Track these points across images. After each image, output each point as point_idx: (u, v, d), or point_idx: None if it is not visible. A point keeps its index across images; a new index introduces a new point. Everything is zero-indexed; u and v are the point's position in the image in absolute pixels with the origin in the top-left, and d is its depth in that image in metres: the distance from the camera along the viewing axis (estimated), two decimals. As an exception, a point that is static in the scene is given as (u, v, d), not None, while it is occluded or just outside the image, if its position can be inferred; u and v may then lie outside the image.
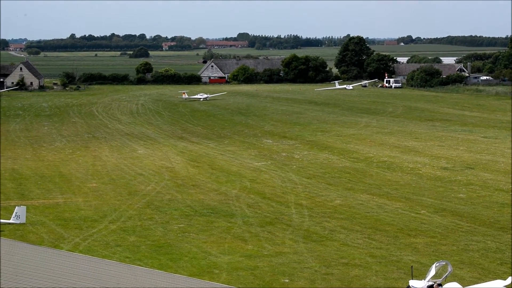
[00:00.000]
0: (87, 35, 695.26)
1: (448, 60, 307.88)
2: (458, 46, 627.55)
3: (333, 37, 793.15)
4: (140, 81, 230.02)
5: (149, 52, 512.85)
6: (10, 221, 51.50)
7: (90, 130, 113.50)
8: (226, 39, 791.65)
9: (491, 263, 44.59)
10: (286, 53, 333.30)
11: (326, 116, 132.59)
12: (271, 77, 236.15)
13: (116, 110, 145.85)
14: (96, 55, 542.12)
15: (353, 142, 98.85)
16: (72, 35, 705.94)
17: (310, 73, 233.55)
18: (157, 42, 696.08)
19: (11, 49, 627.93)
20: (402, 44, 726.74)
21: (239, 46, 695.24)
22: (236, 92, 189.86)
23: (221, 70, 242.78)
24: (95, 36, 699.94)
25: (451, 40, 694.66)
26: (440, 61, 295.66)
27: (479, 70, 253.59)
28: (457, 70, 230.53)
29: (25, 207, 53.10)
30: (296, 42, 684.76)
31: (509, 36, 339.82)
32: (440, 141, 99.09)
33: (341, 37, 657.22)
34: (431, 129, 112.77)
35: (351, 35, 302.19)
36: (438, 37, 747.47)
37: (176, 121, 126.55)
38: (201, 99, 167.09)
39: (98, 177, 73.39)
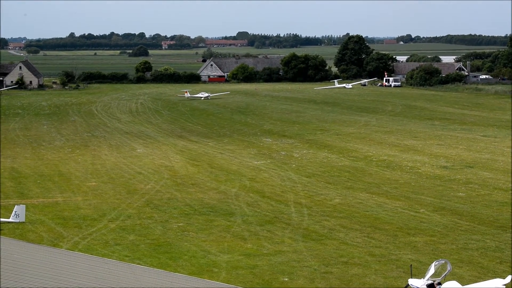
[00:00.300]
0: (86, 34, 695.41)
1: (447, 59, 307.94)
2: (458, 45, 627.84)
3: (333, 36, 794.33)
4: (140, 80, 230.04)
5: (148, 51, 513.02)
6: (10, 220, 51.47)
7: (89, 129, 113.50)
8: (226, 38, 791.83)
9: (490, 261, 44.61)
10: (285, 52, 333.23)
11: (325, 115, 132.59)
12: (270, 76, 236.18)
13: (116, 109, 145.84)
14: (95, 54, 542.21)
15: (353, 141, 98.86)
16: (72, 34, 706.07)
17: (309, 72, 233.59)
18: (156, 41, 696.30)
19: (11, 48, 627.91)
20: (401, 43, 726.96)
21: (239, 45, 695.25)
22: (235, 91, 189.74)
23: (220, 69, 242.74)
24: (95, 35, 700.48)
25: (450, 39, 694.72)
26: (439, 60, 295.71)
27: (478, 69, 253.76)
28: (457, 69, 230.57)
29: (24, 205, 53.04)
30: (295, 41, 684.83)
31: (508, 35, 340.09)
32: (439, 140, 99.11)
33: (341, 36, 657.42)
34: (431, 128, 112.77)
35: (350, 34, 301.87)
36: (438, 36, 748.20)
37: (175, 120, 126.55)
38: (202, 98, 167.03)
39: (98, 176, 73.40)
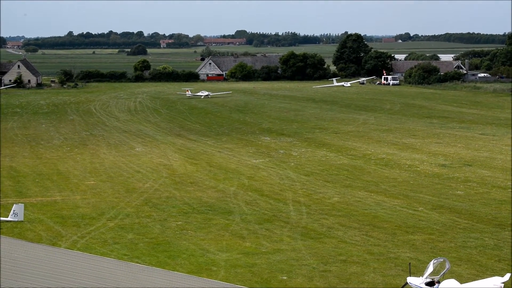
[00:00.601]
0: (84, 33, 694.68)
1: (446, 57, 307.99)
2: (456, 43, 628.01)
3: (331, 34, 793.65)
4: (138, 78, 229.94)
5: (147, 49, 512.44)
6: (8, 218, 51.45)
7: (88, 127, 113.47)
8: (224, 36, 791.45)
9: (488, 260, 44.64)
10: (284, 50, 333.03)
11: (324, 113, 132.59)
12: (269, 74, 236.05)
13: (114, 107, 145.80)
14: (94, 52, 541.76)
15: (351, 139, 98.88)
16: (70, 33, 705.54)
17: (308, 70, 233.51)
18: (155, 39, 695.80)
19: (9, 46, 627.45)
20: (400, 41, 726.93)
21: (237, 43, 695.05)
22: (233, 90, 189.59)
23: (219, 67, 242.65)
24: (93, 33, 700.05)
25: (449, 37, 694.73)
26: (438, 58, 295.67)
27: (476, 67, 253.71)
28: (455, 67, 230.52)
29: (23, 204, 53.03)
30: (294, 39, 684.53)
31: (506, 33, 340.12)
32: (438, 138, 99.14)
33: (339, 34, 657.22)
34: (429, 126, 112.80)
35: (349, 32, 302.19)
36: (436, 34, 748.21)
37: (174, 118, 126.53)
38: (202, 97, 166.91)
39: (96, 175, 73.39)
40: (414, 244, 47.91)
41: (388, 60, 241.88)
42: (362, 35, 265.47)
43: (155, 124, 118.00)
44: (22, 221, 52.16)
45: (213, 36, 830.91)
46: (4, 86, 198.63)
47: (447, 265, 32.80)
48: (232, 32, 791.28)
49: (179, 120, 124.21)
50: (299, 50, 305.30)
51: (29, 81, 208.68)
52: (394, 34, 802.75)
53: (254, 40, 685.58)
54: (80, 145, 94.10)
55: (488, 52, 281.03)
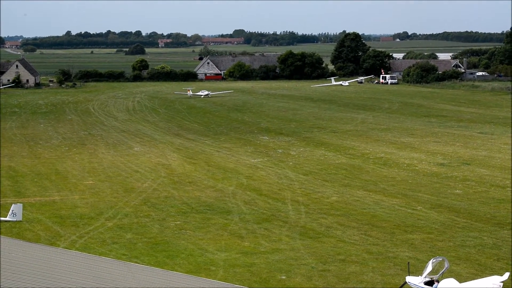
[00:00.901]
0: (83, 32, 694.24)
1: (444, 56, 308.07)
2: (454, 42, 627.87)
3: (329, 33, 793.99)
4: (136, 78, 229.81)
5: (145, 49, 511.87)
6: (7, 218, 51.43)
7: (86, 127, 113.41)
8: (222, 35, 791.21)
9: (487, 259, 44.65)
10: (282, 50, 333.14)
11: (322, 113, 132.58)
12: (267, 73, 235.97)
13: (112, 107, 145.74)
14: (92, 52, 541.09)
15: (349, 138, 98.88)
16: (68, 32, 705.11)
17: (306, 69, 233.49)
18: (153, 39, 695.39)
19: (7, 46, 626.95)
20: (398, 40, 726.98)
21: (235, 42, 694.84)
22: (232, 89, 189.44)
23: (217, 66, 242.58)
24: (91, 33, 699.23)
25: (446, 36, 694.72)
26: (436, 57, 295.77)
27: (475, 66, 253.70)
28: (453, 66, 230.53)
29: (21, 204, 53.05)
30: (292, 38, 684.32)
31: (504, 31, 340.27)
32: (436, 137, 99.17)
33: (337, 34, 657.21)
34: (427, 125, 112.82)
35: (347, 32, 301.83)
36: (434, 33, 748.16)
37: (172, 118, 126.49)
38: (202, 96, 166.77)
39: (95, 175, 73.35)
40: (413, 243, 47.91)
41: (386, 59, 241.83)
42: (360, 34, 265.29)
43: (154, 124, 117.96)
44: (20, 221, 52.16)
45: (211, 35, 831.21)
46: (2, 86, 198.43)
47: (446, 264, 32.81)
48: (230, 32, 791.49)
49: (178, 119, 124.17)
50: (297, 49, 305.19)
51: (27, 80, 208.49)
52: (392, 33, 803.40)
53: (252, 40, 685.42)
54: (78, 145, 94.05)
55: (486, 51, 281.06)
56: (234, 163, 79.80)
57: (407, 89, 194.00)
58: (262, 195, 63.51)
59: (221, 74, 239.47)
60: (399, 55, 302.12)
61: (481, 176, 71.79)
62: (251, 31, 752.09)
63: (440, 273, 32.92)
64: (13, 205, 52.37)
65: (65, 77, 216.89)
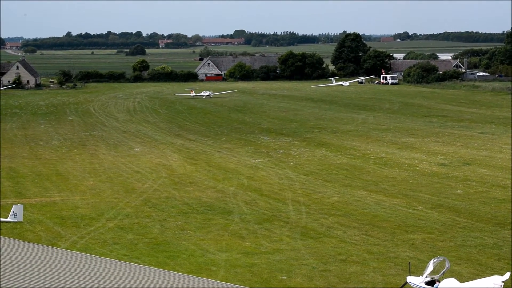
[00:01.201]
0: (83, 33, 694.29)
1: (444, 56, 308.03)
2: (455, 42, 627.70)
3: (330, 33, 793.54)
4: (137, 78, 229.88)
5: (145, 49, 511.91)
6: (8, 219, 51.44)
7: (87, 128, 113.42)
8: (223, 36, 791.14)
9: (488, 258, 44.65)
10: (282, 50, 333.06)
11: (322, 113, 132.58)
12: (267, 74, 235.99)
13: (113, 108, 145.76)
14: (92, 53, 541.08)
15: (350, 138, 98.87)
16: (69, 33, 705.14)
17: (306, 70, 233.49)
18: (153, 39, 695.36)
19: (8, 47, 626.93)
20: (398, 40, 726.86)
21: (236, 43, 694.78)
22: (232, 89, 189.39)
23: (217, 67, 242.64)
24: (92, 34, 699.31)
25: (447, 36, 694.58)
26: (436, 57, 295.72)
27: (475, 66, 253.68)
28: (454, 66, 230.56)
29: (22, 205, 53.04)
30: (292, 39, 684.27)
31: (505, 31, 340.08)
32: (437, 137, 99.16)
33: (338, 34, 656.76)
34: (428, 125, 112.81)
35: (347, 32, 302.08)
36: (435, 33, 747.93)
37: (173, 118, 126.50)
38: (204, 97, 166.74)
39: (95, 175, 73.36)
40: (414, 244, 47.91)
41: (387, 59, 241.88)
42: (360, 34, 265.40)
43: (154, 124, 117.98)
44: (21, 222, 52.15)
45: (212, 36, 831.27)
46: (3, 87, 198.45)
47: (447, 264, 32.82)
48: (231, 32, 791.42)
49: (178, 120, 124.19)
50: (297, 49, 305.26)
51: (28, 81, 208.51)
52: (393, 33, 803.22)
53: (252, 40, 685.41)
54: (79, 146, 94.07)
55: (487, 51, 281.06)
56: (235, 164, 79.80)
57: (407, 89, 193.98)
58: (263, 195, 63.51)
59: (221, 74, 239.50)
60: (399, 55, 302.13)
61: (481, 176, 71.78)
62: (251, 32, 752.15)
63: (441, 273, 32.92)
64: (14, 206, 52.36)
65: (65, 78, 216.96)
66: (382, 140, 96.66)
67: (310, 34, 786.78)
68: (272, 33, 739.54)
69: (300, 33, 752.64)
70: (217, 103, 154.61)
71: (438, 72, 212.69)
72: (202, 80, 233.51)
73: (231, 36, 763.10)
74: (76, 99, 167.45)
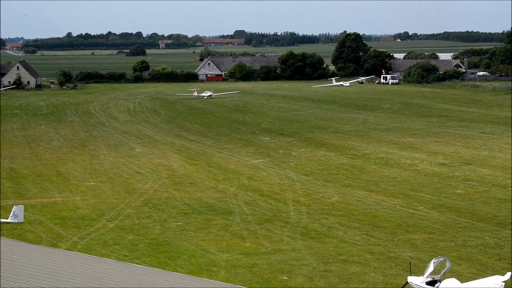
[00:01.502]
0: (83, 34, 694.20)
1: (444, 56, 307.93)
2: (455, 42, 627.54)
3: (330, 33, 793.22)
4: (137, 79, 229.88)
5: (145, 50, 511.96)
6: (8, 220, 51.43)
7: (87, 128, 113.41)
8: (223, 36, 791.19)
9: (489, 258, 44.64)
10: (282, 50, 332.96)
11: (323, 113, 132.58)
12: (268, 74, 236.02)
13: (113, 108, 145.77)
14: (92, 53, 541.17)
15: (351, 138, 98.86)
16: (69, 34, 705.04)
17: (307, 70, 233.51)
18: (153, 40, 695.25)
19: (8, 48, 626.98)
20: (398, 40, 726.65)
21: (236, 43, 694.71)
22: (232, 90, 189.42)
23: (218, 67, 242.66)
24: (92, 34, 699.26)
25: (447, 36, 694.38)
26: (436, 57, 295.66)
27: (475, 66, 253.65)
28: (454, 66, 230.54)
29: (23, 206, 53.02)
30: (292, 39, 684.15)
31: (505, 31, 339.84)
32: (437, 137, 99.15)
33: (338, 34, 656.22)
34: (429, 125, 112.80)
35: (347, 32, 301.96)
36: (435, 33, 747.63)
37: (173, 119, 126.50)
38: (205, 97, 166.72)
39: (96, 176, 73.35)
40: (415, 244, 47.90)
41: (387, 59, 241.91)
42: (360, 34, 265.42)
43: (155, 125, 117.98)
44: (22, 223, 52.14)
45: (212, 36, 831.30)
46: (3, 87, 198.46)
47: (448, 264, 32.81)
48: (231, 32, 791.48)
49: (179, 120, 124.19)
50: (298, 49, 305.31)
51: (28, 82, 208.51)
52: (393, 33, 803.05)
53: (253, 40, 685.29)
54: (79, 146, 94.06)
55: (487, 51, 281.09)
56: (235, 164, 79.80)
57: (408, 89, 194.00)
58: (264, 195, 63.51)
59: (222, 75, 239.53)
60: (400, 55, 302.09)
61: (482, 176, 71.77)
62: (251, 32, 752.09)
63: (442, 273, 32.91)
64: (14, 206, 52.34)
65: (66, 79, 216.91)
66: (382, 140, 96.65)
67: (311, 34, 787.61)
68: (272, 33, 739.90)
69: (301, 33, 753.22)
70: (217, 103, 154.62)
71: (438, 72, 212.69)
72: (202, 81, 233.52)
73: (231, 37, 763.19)
74: (76, 99, 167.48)
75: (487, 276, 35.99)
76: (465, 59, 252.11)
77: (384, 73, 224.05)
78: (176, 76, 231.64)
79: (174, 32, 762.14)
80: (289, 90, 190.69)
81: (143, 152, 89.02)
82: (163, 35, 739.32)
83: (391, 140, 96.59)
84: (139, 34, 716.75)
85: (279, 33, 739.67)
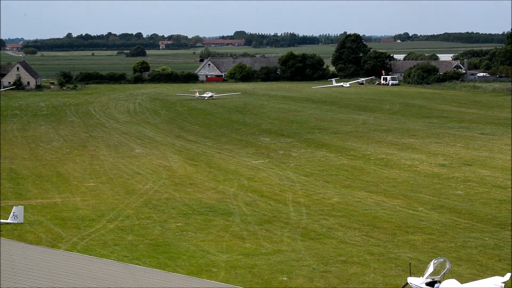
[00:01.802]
0: (83, 34, 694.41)
1: (444, 57, 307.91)
2: (455, 43, 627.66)
3: (330, 34, 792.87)
4: (137, 80, 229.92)
5: (146, 51, 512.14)
6: (8, 221, 51.44)
7: (87, 129, 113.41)
8: (223, 37, 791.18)
9: (489, 259, 44.64)
10: (283, 51, 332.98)
11: (323, 114, 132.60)
12: (268, 75, 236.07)
13: (113, 109, 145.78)
14: (93, 54, 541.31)
15: (351, 139, 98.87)
16: (69, 35, 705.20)
17: (307, 71, 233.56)
18: (153, 41, 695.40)
19: (8, 49, 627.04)
20: (398, 41, 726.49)
21: (236, 44, 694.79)
22: (233, 90, 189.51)
23: (218, 68, 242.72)
24: (92, 35, 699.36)
25: (447, 37, 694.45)
26: (437, 58, 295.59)
27: (476, 67, 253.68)
28: (454, 67, 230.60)
29: (22, 206, 53.03)
30: (292, 40, 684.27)
31: (505, 32, 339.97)
32: (437, 138, 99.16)
33: (338, 35, 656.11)
34: (429, 126, 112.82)
35: (347, 33, 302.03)
36: (435, 34, 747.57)
37: (173, 119, 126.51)
38: (206, 98, 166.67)
39: (96, 176, 73.34)
40: (414, 244, 47.90)
41: (387, 60, 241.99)
42: (361, 35, 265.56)
43: (155, 126, 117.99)
44: (22, 223, 52.15)
45: (212, 37, 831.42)
46: (3, 88, 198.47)
47: (448, 265, 32.79)
48: (231, 33, 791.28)
49: (179, 121, 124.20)
50: (298, 50, 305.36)
51: (28, 83, 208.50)
52: (393, 34, 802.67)
53: (253, 41, 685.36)
54: (79, 147, 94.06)
55: (487, 52, 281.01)
56: (235, 165, 79.80)
57: (408, 90, 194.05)
58: (264, 196, 63.51)
59: (222, 75, 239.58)
60: (400, 56, 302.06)
61: (482, 177, 71.77)
62: (252, 33, 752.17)
63: (442, 274, 32.89)
64: (14, 207, 52.36)
65: (66, 79, 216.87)
66: (382, 141, 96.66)
67: (311, 35, 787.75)
68: (272, 34, 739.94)
69: (301, 34, 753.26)
70: (217, 104, 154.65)
71: (438, 73, 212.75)
72: (202, 81, 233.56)
73: (231, 37, 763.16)
74: (76, 100, 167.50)
75: (487, 277, 36.01)
76: (465, 60, 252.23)
77: (384, 74, 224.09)
78: (176, 77, 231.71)
79: (174, 33, 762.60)
80: (289, 91, 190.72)
81: (143, 152, 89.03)
82: (163, 35, 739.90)
83: (391, 141, 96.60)
84: (139, 35, 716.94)
85: (279, 34, 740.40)
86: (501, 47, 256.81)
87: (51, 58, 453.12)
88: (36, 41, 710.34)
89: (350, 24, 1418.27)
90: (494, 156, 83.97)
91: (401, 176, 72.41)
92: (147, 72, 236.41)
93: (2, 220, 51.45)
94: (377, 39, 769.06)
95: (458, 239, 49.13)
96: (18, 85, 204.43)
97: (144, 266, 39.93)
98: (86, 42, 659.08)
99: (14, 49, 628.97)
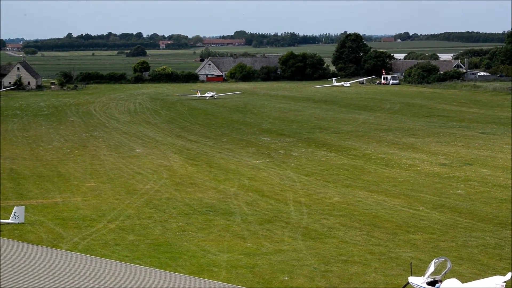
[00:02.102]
0: (84, 34, 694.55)
1: (445, 56, 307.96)
2: (455, 42, 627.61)
3: (330, 34, 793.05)
4: (138, 80, 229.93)
5: (146, 50, 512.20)
6: (9, 221, 51.45)
7: (88, 129, 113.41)
8: (223, 37, 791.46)
9: (490, 259, 44.63)
10: (283, 51, 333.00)
11: (323, 114, 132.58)
12: (268, 74, 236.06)
13: (114, 109, 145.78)
14: (93, 54, 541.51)
15: (351, 139, 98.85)
16: (69, 35, 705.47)
17: (307, 70, 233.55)
18: (154, 40, 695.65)
19: (8, 49, 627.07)
20: (399, 40, 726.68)
21: (236, 44, 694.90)
22: (233, 90, 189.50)
23: (218, 68, 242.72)
24: (92, 35, 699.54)
25: (448, 36, 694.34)
26: (437, 58, 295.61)
27: (476, 66, 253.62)
28: (455, 66, 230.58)
29: (23, 206, 53.02)
30: (293, 39, 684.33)
31: (506, 31, 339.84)
32: (438, 137, 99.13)
33: (338, 34, 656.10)
34: (429, 125, 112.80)
35: (348, 32, 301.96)
36: (435, 34, 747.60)
37: (174, 119, 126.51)
38: (207, 98, 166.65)
39: (97, 176, 73.34)
40: (415, 244, 47.90)
41: (388, 60, 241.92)
42: (361, 34, 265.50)
43: (155, 125, 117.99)
44: (23, 223, 52.14)
45: (212, 36, 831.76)
46: (4, 88, 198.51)
47: (449, 265, 32.79)
48: (231, 33, 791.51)
49: (179, 121, 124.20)
50: (298, 50, 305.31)
51: (28, 83, 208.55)
52: (393, 34, 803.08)
53: (253, 41, 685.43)
54: (80, 147, 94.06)
55: (488, 51, 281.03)
56: (236, 164, 79.79)
57: (408, 89, 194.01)
58: (264, 196, 63.50)
59: (222, 75, 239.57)
60: (400, 56, 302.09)
61: (483, 176, 71.76)
62: (252, 32, 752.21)
63: (443, 273, 32.89)
64: (15, 207, 52.35)
65: (66, 79, 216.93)
66: (383, 141, 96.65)
67: (311, 34, 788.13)
68: (272, 33, 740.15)
69: (301, 34, 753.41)
70: (218, 104, 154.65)
71: (439, 72, 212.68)
72: (203, 81, 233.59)
73: (231, 37, 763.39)
74: (77, 100, 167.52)
75: (488, 276, 35.98)
76: (465, 59, 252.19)
77: (384, 73, 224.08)
78: (176, 76, 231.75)
79: (175, 32, 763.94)
80: (290, 91, 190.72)
81: (143, 152, 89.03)
82: (163, 35, 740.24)
83: (391, 141, 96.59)
84: (139, 35, 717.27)
85: (279, 34, 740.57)
86: (501, 46, 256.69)
87: (52, 58, 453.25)
88: (36, 41, 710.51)
89: (351, 24, 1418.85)
90: (494, 155, 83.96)
91: (402, 176, 72.40)
92: (148, 72, 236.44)
93: (3, 220, 51.46)
94: (378, 39, 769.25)
95: (459, 239, 49.13)
96: (18, 85, 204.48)
97: (145, 266, 39.92)
98: (87, 42, 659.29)
99: (15, 49, 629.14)
